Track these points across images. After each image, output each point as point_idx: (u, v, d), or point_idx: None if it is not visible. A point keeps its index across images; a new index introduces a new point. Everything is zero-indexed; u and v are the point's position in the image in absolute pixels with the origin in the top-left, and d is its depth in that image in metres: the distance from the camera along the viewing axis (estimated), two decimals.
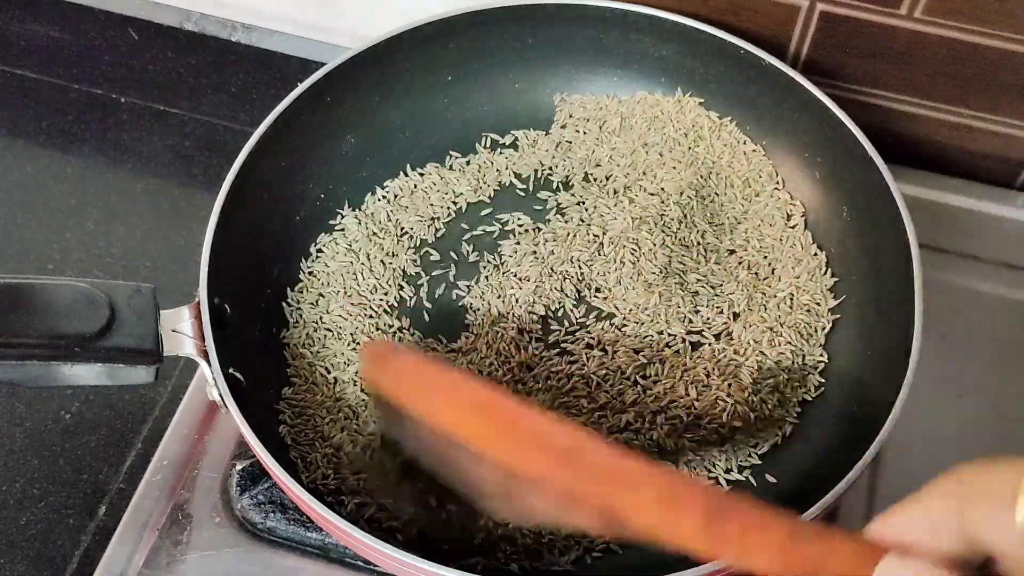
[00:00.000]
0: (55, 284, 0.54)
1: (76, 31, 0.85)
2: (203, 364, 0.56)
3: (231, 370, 0.57)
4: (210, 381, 0.55)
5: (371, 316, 0.64)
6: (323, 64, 0.68)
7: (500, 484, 0.45)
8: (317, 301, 0.65)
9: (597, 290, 0.65)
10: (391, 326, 0.64)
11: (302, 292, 0.65)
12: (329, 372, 0.62)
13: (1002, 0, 0.65)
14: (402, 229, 0.68)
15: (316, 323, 0.64)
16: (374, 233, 0.67)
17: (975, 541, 0.34)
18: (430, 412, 0.46)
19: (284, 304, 0.65)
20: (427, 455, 0.49)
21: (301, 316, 0.64)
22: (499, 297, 0.65)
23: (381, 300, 0.65)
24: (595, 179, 0.70)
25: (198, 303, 0.57)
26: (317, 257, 0.67)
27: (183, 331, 0.56)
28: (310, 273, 0.66)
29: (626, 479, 0.41)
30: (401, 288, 0.66)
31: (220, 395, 0.55)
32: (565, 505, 0.43)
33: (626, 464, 0.41)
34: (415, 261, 0.67)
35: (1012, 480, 0.33)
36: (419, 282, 0.66)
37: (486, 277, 0.66)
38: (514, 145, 0.72)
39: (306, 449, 0.59)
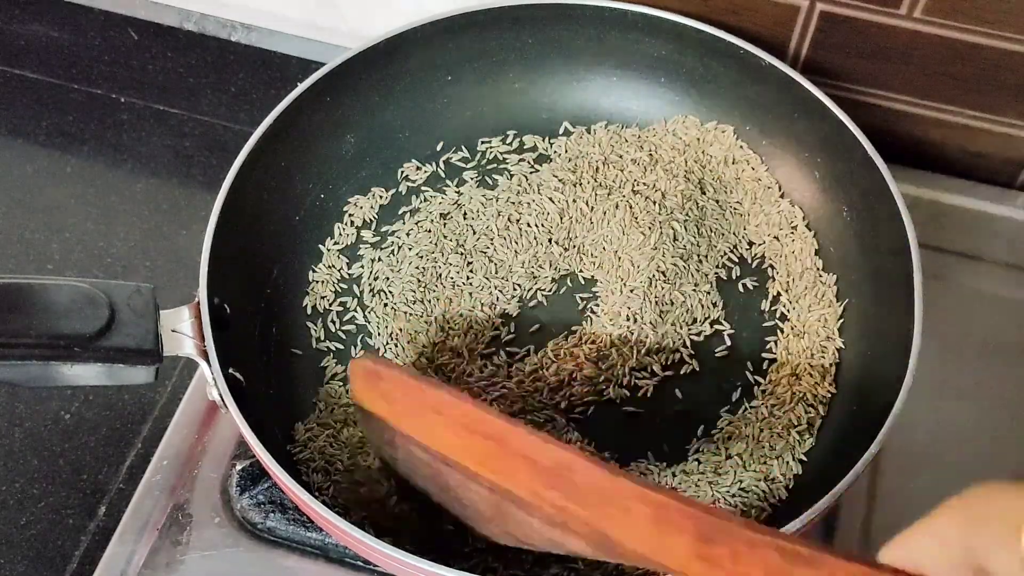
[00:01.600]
0: (55, 284, 0.54)
1: (76, 31, 0.85)
2: (203, 364, 0.55)
3: (231, 370, 0.57)
4: (210, 381, 0.55)
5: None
6: (323, 64, 0.68)
7: (492, 505, 0.44)
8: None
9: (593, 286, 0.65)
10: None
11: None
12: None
13: (1002, 0, 0.65)
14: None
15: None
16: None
17: (979, 567, 0.34)
18: (419, 430, 0.46)
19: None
20: (417, 474, 0.49)
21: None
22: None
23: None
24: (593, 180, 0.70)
25: (198, 303, 0.57)
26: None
27: (183, 331, 0.56)
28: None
29: (617, 498, 0.40)
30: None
31: (220, 395, 0.55)
32: (557, 527, 0.42)
33: (617, 483, 0.41)
34: None
35: (1019, 507, 0.33)
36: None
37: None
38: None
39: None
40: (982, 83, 0.71)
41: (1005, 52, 0.68)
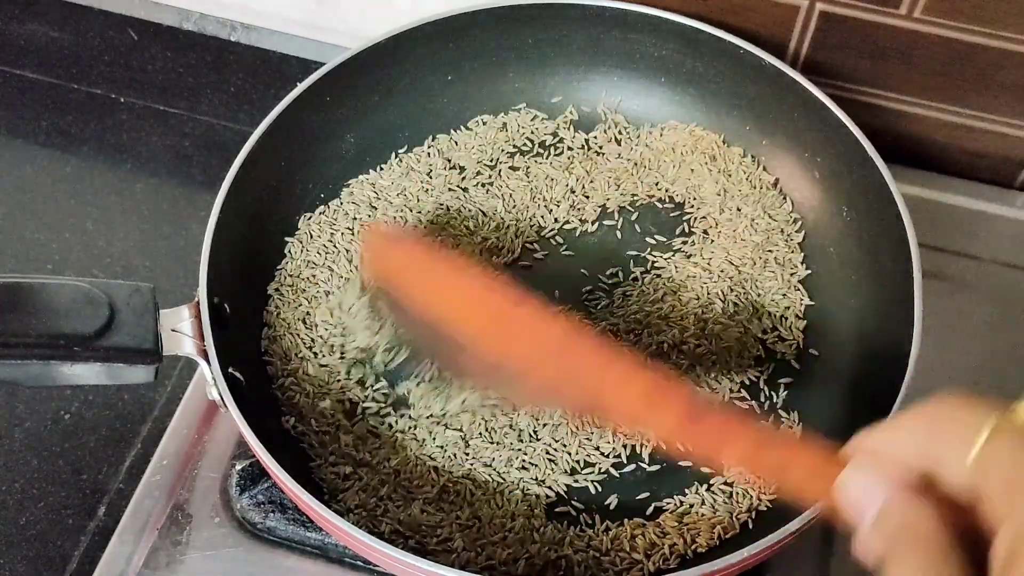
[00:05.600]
0: (55, 284, 0.54)
1: (75, 31, 0.85)
2: (203, 364, 0.55)
3: (231, 370, 0.57)
4: (210, 381, 0.55)
5: None
6: (323, 64, 0.68)
7: (492, 368, 0.46)
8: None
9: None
10: None
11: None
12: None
13: (1002, 0, 0.65)
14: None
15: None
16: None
17: (930, 470, 0.36)
18: (429, 297, 0.47)
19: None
20: (423, 339, 0.50)
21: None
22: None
23: None
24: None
25: (197, 303, 0.57)
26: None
27: (183, 331, 0.56)
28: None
29: (613, 375, 0.43)
30: None
31: (220, 395, 0.55)
32: (553, 390, 0.45)
33: (614, 361, 0.44)
34: None
35: (978, 422, 0.35)
36: None
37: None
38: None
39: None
40: (982, 83, 0.71)
41: (1005, 52, 0.68)
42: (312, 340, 0.63)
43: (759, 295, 0.66)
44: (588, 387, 0.44)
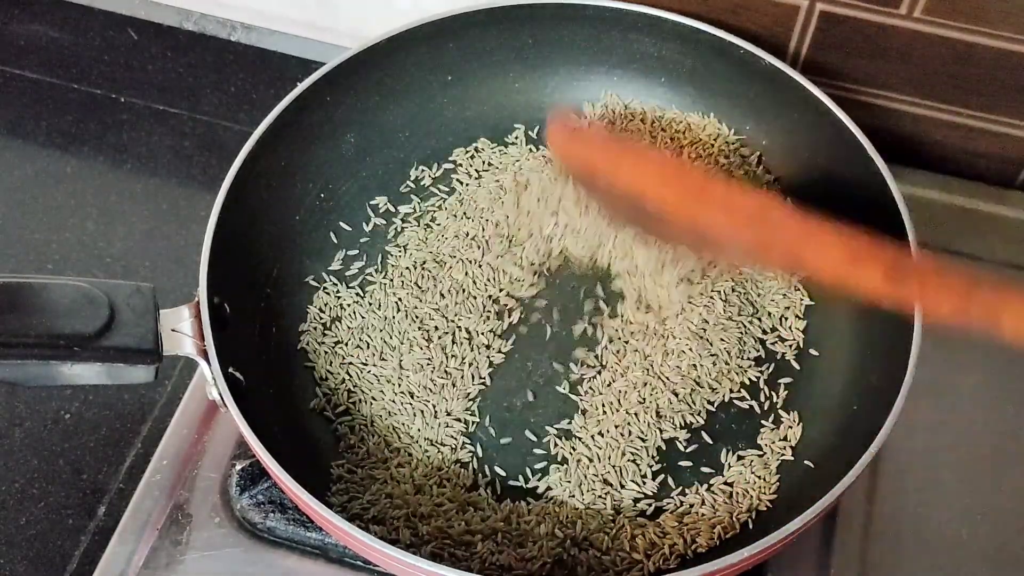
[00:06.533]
0: (55, 284, 0.54)
1: (76, 31, 0.85)
2: (203, 363, 0.55)
3: (231, 370, 0.57)
4: (210, 381, 0.55)
5: None
6: (323, 64, 0.68)
7: (695, 234, 0.47)
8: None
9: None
10: None
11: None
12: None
13: (1002, 0, 0.65)
14: None
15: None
16: None
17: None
18: (621, 179, 0.48)
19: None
20: (616, 217, 0.52)
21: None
22: None
23: None
24: None
25: (197, 302, 0.57)
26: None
27: (183, 330, 0.56)
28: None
29: (814, 241, 0.44)
30: None
31: (220, 395, 0.55)
32: (756, 251, 0.46)
33: (814, 227, 0.45)
34: None
35: None
36: None
37: None
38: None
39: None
40: (982, 83, 0.71)
41: (1005, 52, 0.68)
42: None
43: (759, 295, 0.66)
44: (790, 249, 0.45)
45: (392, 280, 0.67)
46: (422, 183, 0.71)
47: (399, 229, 0.69)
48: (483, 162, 0.72)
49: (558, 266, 0.67)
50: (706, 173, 0.48)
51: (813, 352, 0.65)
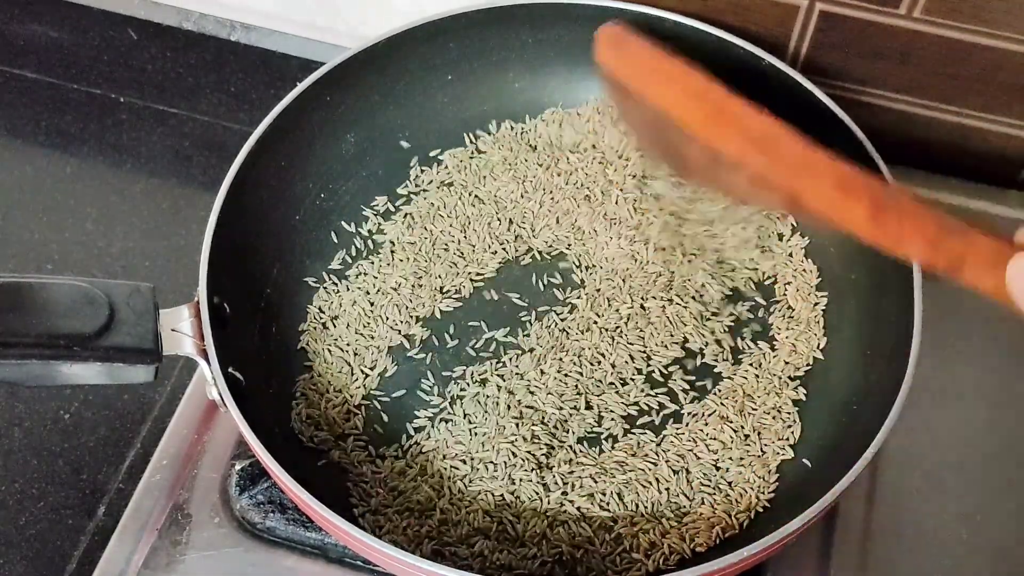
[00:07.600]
0: (55, 283, 0.54)
1: (75, 31, 0.85)
2: (203, 363, 0.55)
3: (231, 369, 0.57)
4: (210, 380, 0.55)
5: None
6: (323, 64, 0.68)
7: (704, 160, 0.50)
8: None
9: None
10: None
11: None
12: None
13: (1002, 0, 0.65)
14: None
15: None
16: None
17: None
18: (654, 93, 0.51)
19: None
20: (646, 127, 0.54)
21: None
22: None
23: None
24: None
25: (197, 302, 0.57)
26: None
27: (182, 330, 0.56)
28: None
29: (811, 166, 0.47)
30: None
31: (220, 394, 0.55)
32: (756, 185, 0.48)
33: (813, 154, 0.47)
34: None
35: None
36: None
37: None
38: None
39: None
40: (982, 83, 0.71)
41: (1005, 52, 0.68)
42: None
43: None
44: (789, 177, 0.47)
45: (392, 280, 0.67)
46: (422, 183, 0.71)
47: (399, 229, 0.69)
48: (484, 162, 0.72)
49: (561, 266, 0.67)
50: (728, 96, 0.50)
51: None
